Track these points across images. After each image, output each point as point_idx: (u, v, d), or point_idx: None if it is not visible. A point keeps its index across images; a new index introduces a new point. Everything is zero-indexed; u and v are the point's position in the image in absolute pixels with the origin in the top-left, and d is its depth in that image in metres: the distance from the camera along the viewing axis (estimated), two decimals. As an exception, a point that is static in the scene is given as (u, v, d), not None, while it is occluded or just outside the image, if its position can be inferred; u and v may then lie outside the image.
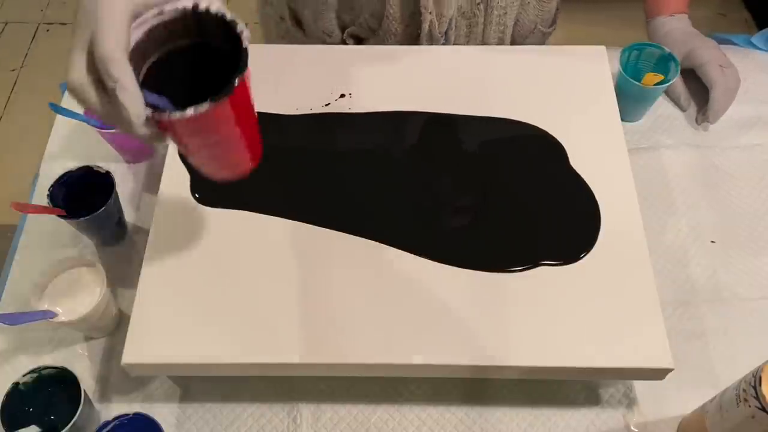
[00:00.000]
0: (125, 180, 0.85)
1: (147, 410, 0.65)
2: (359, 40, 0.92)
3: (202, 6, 0.50)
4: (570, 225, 0.72)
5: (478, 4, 0.87)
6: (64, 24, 2.00)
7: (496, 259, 0.69)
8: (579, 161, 0.76)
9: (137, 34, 0.50)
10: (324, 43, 0.93)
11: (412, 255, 0.69)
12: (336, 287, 0.68)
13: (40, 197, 0.80)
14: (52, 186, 0.75)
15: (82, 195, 0.77)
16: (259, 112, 0.79)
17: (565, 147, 0.77)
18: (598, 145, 0.77)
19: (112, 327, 0.75)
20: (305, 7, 0.91)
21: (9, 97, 1.80)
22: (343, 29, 0.91)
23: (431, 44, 0.89)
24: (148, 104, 0.48)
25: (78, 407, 0.63)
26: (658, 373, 0.65)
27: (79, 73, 0.48)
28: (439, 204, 0.73)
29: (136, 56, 0.49)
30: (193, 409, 0.71)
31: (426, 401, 0.71)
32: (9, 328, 0.73)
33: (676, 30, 0.91)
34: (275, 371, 0.67)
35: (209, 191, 0.74)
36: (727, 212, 0.83)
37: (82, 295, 0.70)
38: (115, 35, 0.47)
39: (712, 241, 0.81)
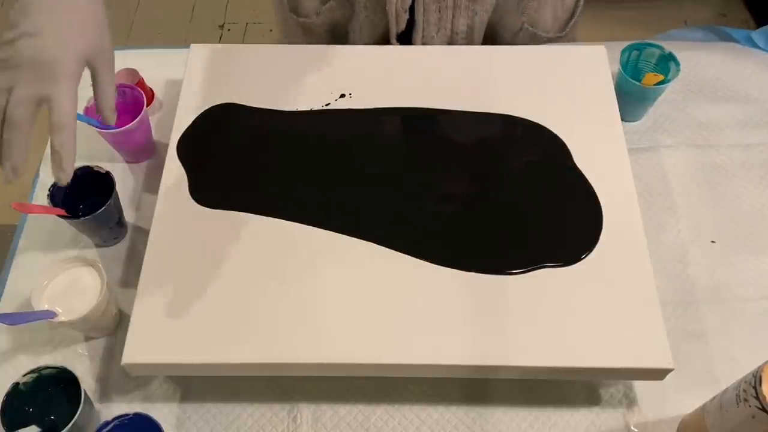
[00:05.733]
0: (125, 180, 0.85)
1: (147, 410, 0.65)
2: (334, 28, 0.91)
3: None
4: (571, 225, 0.72)
5: None
6: (65, 24, 2.00)
7: (497, 262, 0.69)
8: (579, 161, 0.76)
9: None
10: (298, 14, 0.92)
11: (413, 257, 0.69)
12: (336, 288, 0.68)
13: (40, 197, 0.80)
14: (52, 186, 0.75)
15: (82, 195, 0.77)
16: (257, 109, 0.80)
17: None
18: (598, 145, 0.77)
19: (112, 327, 0.75)
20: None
21: (9, 97, 1.81)
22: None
23: (397, 24, 0.87)
24: None
25: (78, 407, 0.63)
26: (658, 373, 0.65)
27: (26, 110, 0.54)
28: (441, 205, 0.73)
29: None
30: (193, 409, 0.71)
31: (426, 401, 0.71)
32: (9, 328, 0.73)
33: None
34: (275, 371, 0.67)
35: (208, 192, 0.74)
36: (727, 212, 0.83)
37: (82, 295, 0.70)
38: (73, 104, 0.56)
39: (712, 241, 0.81)
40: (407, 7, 0.85)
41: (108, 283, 0.70)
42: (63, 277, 0.71)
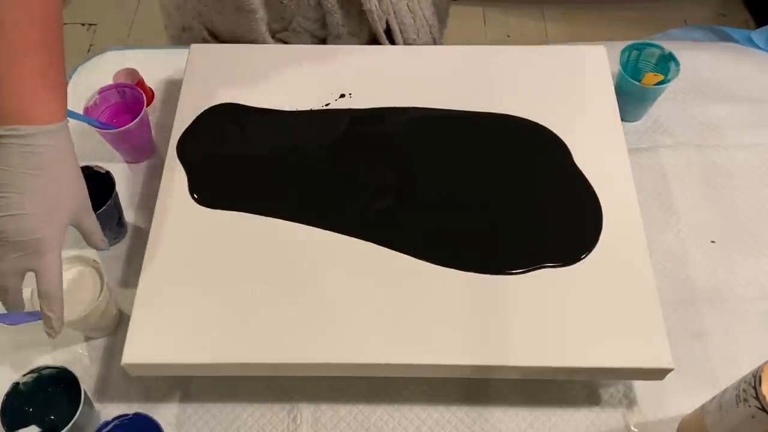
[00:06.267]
0: (125, 180, 0.85)
1: (147, 410, 0.66)
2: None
3: None
4: (571, 225, 0.72)
5: None
6: (65, 24, 2.00)
7: (497, 262, 0.69)
8: (579, 161, 0.76)
9: None
10: None
11: (413, 257, 0.69)
12: (336, 288, 0.68)
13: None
14: (52, 186, 0.75)
15: (82, 195, 0.77)
16: (257, 109, 0.80)
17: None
18: (598, 145, 0.77)
19: (113, 327, 0.75)
20: (227, 27, 0.90)
21: (9, 97, 1.81)
22: (272, 35, 0.91)
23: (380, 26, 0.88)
24: None
25: (78, 407, 0.63)
26: (658, 373, 0.65)
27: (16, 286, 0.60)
28: (441, 205, 0.73)
29: None
30: (193, 409, 0.71)
31: (426, 401, 0.71)
32: (9, 327, 0.73)
33: None
34: (275, 371, 0.67)
35: (208, 192, 0.74)
36: (727, 212, 0.83)
37: (82, 295, 0.70)
38: (59, 273, 0.60)
39: (712, 241, 0.81)
40: (386, 8, 0.86)
41: (108, 283, 0.70)
42: (63, 277, 0.71)
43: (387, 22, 0.87)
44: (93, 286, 0.70)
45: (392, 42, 0.90)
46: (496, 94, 0.81)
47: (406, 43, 0.89)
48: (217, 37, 0.93)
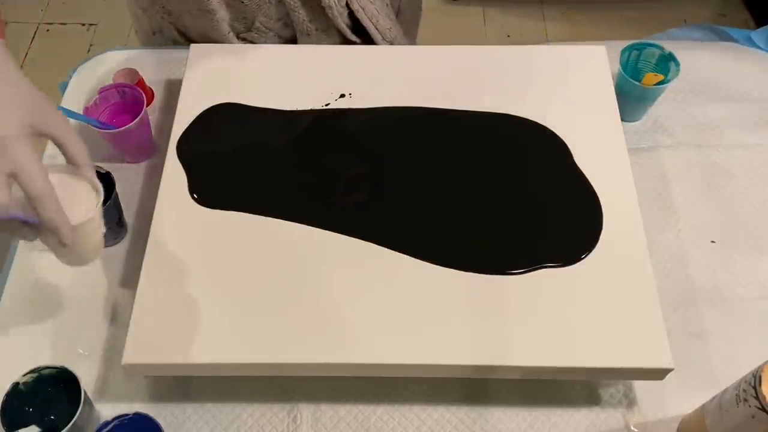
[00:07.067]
0: (125, 180, 0.84)
1: (147, 410, 0.65)
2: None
3: None
4: (571, 225, 0.72)
5: None
6: (64, 24, 2.00)
7: (497, 262, 0.69)
8: (579, 161, 0.76)
9: None
10: None
11: (413, 257, 0.69)
12: (336, 288, 0.68)
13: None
14: (52, 186, 0.74)
15: (82, 195, 0.76)
16: (257, 109, 0.80)
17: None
18: (598, 145, 0.77)
19: (99, 250, 0.64)
20: (195, 28, 0.91)
21: (9, 97, 1.81)
22: (237, 35, 0.91)
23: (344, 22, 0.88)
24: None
25: (78, 407, 0.63)
26: (658, 373, 0.65)
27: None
28: (441, 204, 0.73)
29: None
30: (193, 409, 0.71)
31: (426, 401, 0.71)
32: (8, 327, 0.73)
33: None
34: (275, 371, 0.67)
35: (208, 192, 0.74)
36: (727, 212, 0.83)
37: (77, 206, 0.60)
38: (41, 168, 0.53)
39: (712, 241, 0.81)
40: (344, 3, 0.86)
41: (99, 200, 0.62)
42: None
43: (354, 17, 0.87)
44: (87, 198, 0.61)
45: (366, 35, 0.89)
46: (496, 93, 0.81)
47: (381, 33, 0.89)
48: (187, 38, 0.93)
